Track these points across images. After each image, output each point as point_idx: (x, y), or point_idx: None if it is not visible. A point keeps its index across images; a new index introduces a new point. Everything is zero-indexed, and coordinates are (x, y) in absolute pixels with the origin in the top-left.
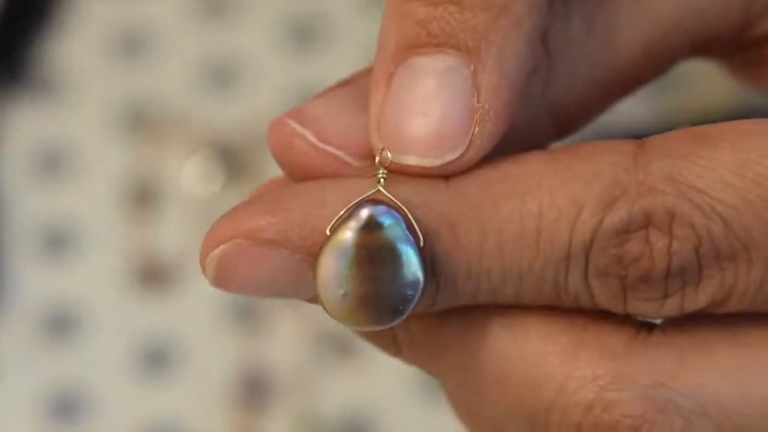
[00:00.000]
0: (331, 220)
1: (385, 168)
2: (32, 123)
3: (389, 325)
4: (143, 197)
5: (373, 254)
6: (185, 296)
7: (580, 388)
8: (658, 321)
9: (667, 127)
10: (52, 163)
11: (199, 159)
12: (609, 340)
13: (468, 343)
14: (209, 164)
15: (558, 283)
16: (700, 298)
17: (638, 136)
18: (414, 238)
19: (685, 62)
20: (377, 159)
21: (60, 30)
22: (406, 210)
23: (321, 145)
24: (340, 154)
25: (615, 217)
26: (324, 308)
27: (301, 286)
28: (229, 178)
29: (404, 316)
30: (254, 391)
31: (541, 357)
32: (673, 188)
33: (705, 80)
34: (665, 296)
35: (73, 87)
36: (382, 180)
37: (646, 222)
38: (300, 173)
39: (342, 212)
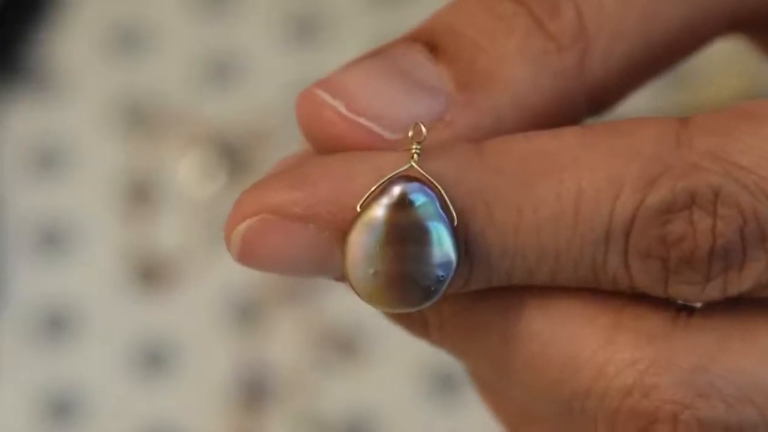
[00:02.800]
0: (362, 196)
1: (419, 142)
2: (28, 119)
3: (421, 308)
4: (141, 194)
5: (405, 233)
6: (184, 295)
7: (618, 372)
8: (698, 305)
9: None
10: (48, 160)
11: (198, 155)
12: (648, 323)
13: (501, 325)
14: (208, 161)
15: (596, 264)
16: (743, 281)
17: None
18: (448, 217)
19: (720, 40)
20: (410, 133)
21: (56, 25)
22: (440, 187)
23: (352, 116)
24: (373, 125)
25: (657, 196)
26: (352, 288)
27: (329, 264)
28: (228, 174)
29: (436, 298)
30: (254, 391)
31: (578, 340)
32: (717, 166)
33: (716, 77)
34: (708, 279)
35: (69, 82)
36: (415, 155)
37: (690, 201)
38: (329, 146)
39: (373, 188)
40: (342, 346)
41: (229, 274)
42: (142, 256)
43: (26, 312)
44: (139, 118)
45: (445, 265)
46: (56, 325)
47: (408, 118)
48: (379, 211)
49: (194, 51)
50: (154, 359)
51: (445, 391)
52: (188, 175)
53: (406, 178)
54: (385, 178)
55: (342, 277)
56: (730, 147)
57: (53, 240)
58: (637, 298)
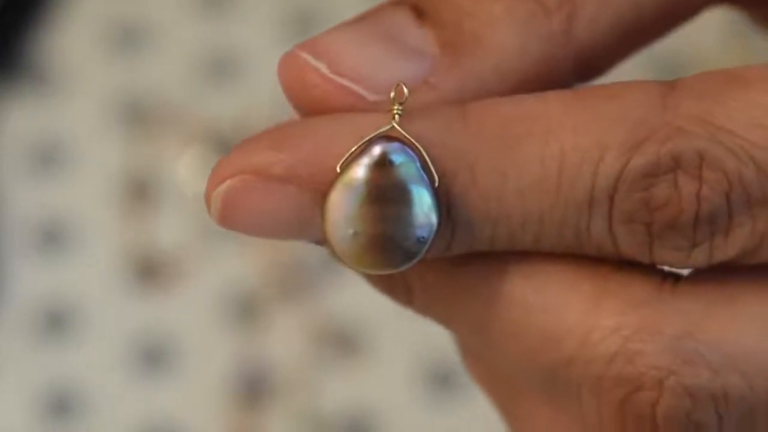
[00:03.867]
0: (342, 157)
1: (401, 103)
2: (27, 117)
3: (401, 269)
4: (140, 191)
5: (385, 193)
6: (183, 292)
7: (602, 339)
8: (684, 272)
9: None
10: (47, 158)
11: (197, 153)
12: (633, 289)
13: (485, 292)
14: (207, 158)
15: (580, 229)
16: (729, 246)
17: None
18: (429, 178)
19: (711, 9)
20: (392, 93)
21: (55, 23)
22: (421, 148)
23: (335, 77)
24: (355, 86)
25: (641, 160)
26: (332, 250)
27: (309, 226)
28: None
29: (416, 260)
30: (254, 389)
31: (562, 307)
32: (703, 130)
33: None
34: (693, 245)
35: (69, 80)
36: (396, 116)
37: (675, 165)
38: (312, 108)
39: (354, 148)
40: (342, 344)
41: (229, 271)
42: (141, 254)
43: (26, 310)
44: (139, 116)
45: (426, 226)
46: (56, 322)
47: (391, 80)
48: (359, 171)
49: (194, 49)
50: (153, 356)
51: (445, 389)
52: (187, 172)
53: (387, 138)
54: (366, 139)
55: (322, 240)
56: (717, 111)
57: (53, 237)
58: (623, 265)
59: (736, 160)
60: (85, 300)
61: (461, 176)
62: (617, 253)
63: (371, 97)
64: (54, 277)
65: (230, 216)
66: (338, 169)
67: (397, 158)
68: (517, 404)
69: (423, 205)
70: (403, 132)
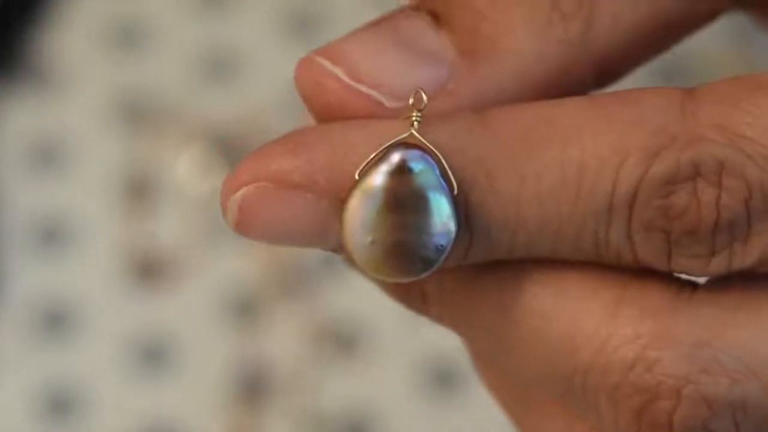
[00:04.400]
0: (361, 164)
1: (419, 110)
2: (26, 115)
3: (419, 277)
4: (140, 190)
5: (404, 201)
6: (183, 292)
7: (620, 346)
8: (701, 281)
9: None
10: (47, 157)
11: (197, 152)
12: (651, 297)
13: (501, 300)
14: (207, 157)
15: (598, 237)
16: (748, 255)
17: None
18: (447, 186)
19: (728, 14)
20: (411, 100)
21: (54, 21)
22: (440, 155)
23: (353, 83)
24: (373, 93)
25: (661, 167)
26: (350, 258)
27: (326, 234)
28: (227, 171)
29: (435, 268)
30: (254, 388)
31: (580, 314)
32: (723, 137)
33: (713, 70)
34: (712, 253)
35: (67, 79)
36: (415, 123)
37: (695, 172)
38: (330, 115)
39: (372, 155)
40: (341, 343)
41: (229, 271)
42: (141, 253)
43: (25, 309)
44: (138, 115)
45: (444, 234)
46: (55, 321)
47: (409, 86)
48: (377, 178)
49: (193, 48)
50: (152, 356)
51: (445, 388)
52: (187, 171)
53: (406, 145)
54: (385, 146)
55: (339, 248)
56: (737, 118)
57: (52, 236)
58: (641, 273)
59: (756, 168)
60: (85, 299)
61: (479, 182)
62: (635, 261)
63: (389, 103)
64: (53, 276)
65: (247, 223)
66: (357, 177)
67: (416, 165)
68: (531, 413)
69: (442, 213)
70: (422, 139)
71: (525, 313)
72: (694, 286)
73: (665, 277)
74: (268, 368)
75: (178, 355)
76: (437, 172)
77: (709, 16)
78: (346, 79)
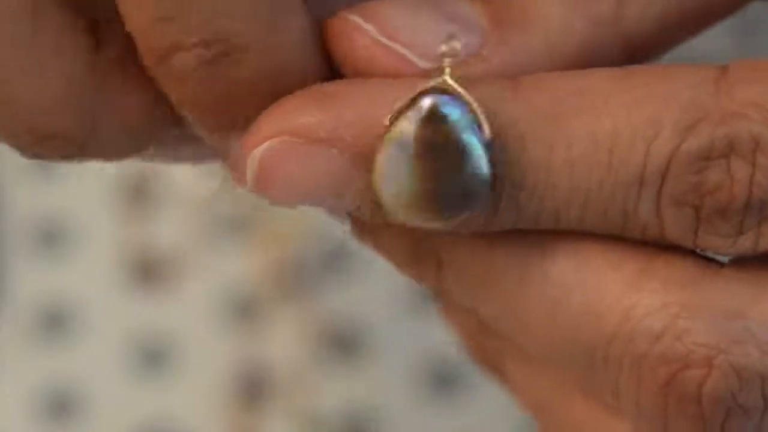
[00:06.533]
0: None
1: (453, 56)
2: None
3: (453, 221)
4: (140, 191)
5: (435, 147)
6: (183, 292)
7: (647, 315)
8: (726, 259)
9: None
10: None
11: None
12: (678, 269)
13: (523, 270)
14: None
15: (627, 209)
16: None
17: None
18: (481, 132)
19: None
20: (443, 48)
21: None
22: (472, 101)
23: (386, 41)
24: (406, 52)
25: (696, 142)
26: (379, 203)
27: (346, 191)
28: (226, 171)
29: (468, 213)
30: (254, 389)
31: (603, 284)
32: (759, 114)
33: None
34: (740, 232)
35: None
36: (447, 69)
37: (729, 149)
38: (360, 71)
39: (402, 102)
40: (342, 344)
41: (228, 271)
42: (141, 253)
43: (25, 310)
44: None
45: (478, 178)
46: (55, 322)
47: (441, 48)
48: (408, 125)
49: None
50: (152, 356)
51: (445, 389)
52: (187, 172)
53: (439, 90)
54: (417, 91)
55: (358, 208)
56: None
57: (51, 237)
58: (666, 248)
59: None
60: (85, 300)
61: (510, 146)
62: (662, 236)
63: (421, 63)
64: (53, 277)
65: (267, 180)
66: (387, 123)
67: (449, 111)
68: (545, 394)
69: (475, 158)
70: (455, 84)
71: (545, 284)
72: (720, 263)
73: (691, 253)
74: (268, 369)
75: (178, 355)
76: (470, 118)
77: (734, 6)
78: (378, 36)
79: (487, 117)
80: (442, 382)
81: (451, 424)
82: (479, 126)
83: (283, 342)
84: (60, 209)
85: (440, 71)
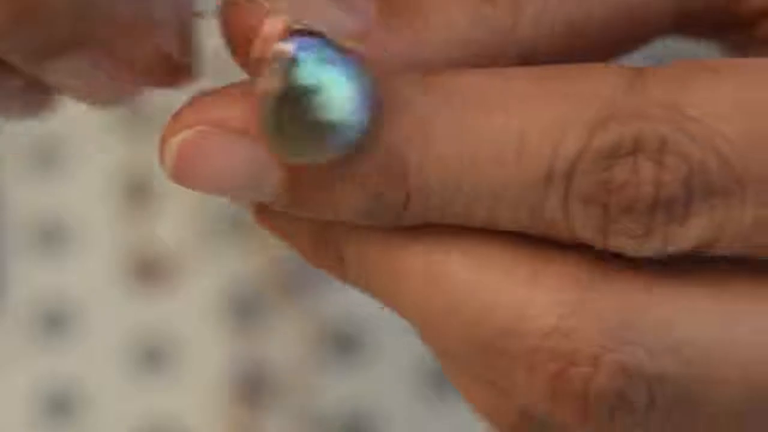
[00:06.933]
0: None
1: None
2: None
3: (332, 155)
4: (140, 190)
5: (300, 90)
6: (183, 292)
7: (540, 314)
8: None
9: None
10: (46, 155)
11: None
12: (575, 268)
13: (423, 267)
14: None
15: (534, 207)
16: (684, 236)
17: None
18: (346, 59)
19: (666, 38)
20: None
21: None
22: (326, 34)
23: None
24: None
25: (603, 139)
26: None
27: (263, 180)
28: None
29: (347, 146)
30: (253, 389)
31: (500, 282)
32: (669, 115)
33: None
34: (648, 231)
35: None
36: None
37: (636, 148)
38: (246, 44)
39: (261, 55)
40: (342, 343)
41: (229, 271)
42: (140, 253)
43: (24, 309)
44: (138, 114)
45: (351, 108)
46: (54, 322)
47: (322, 25)
48: (273, 80)
49: None
50: (152, 356)
51: (446, 390)
52: None
53: (287, 34)
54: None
55: (275, 199)
56: (685, 98)
57: (51, 237)
58: (569, 247)
59: (699, 149)
60: (84, 299)
61: (417, 141)
62: (571, 236)
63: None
64: (52, 277)
65: (185, 169)
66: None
67: (303, 54)
68: (458, 381)
69: (343, 90)
70: (302, 23)
71: (446, 281)
72: (623, 261)
73: (593, 252)
74: (267, 369)
75: (178, 355)
76: (330, 51)
77: (641, 40)
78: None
79: (394, 122)
80: (442, 382)
81: (450, 424)
82: (343, 52)
83: (283, 342)
84: (60, 209)
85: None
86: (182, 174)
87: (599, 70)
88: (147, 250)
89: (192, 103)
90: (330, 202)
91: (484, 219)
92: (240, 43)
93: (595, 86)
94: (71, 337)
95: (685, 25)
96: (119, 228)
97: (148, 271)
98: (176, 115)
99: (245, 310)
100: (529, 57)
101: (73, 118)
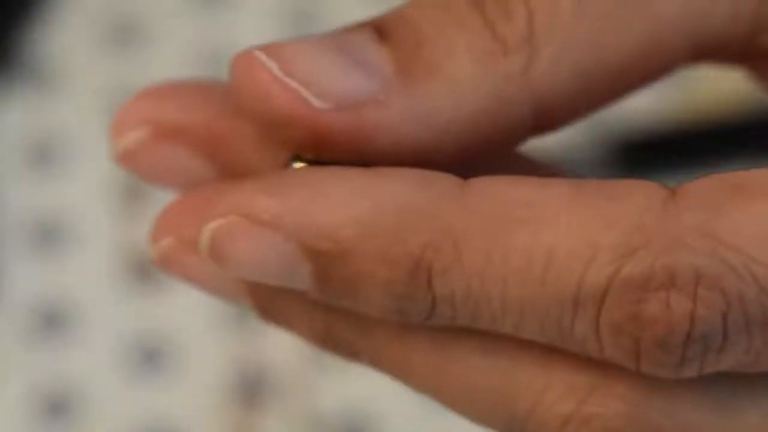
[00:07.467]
0: (332, 212)
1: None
2: (23, 114)
3: None
4: (138, 190)
5: None
6: (181, 292)
7: (557, 399)
8: None
9: (673, 123)
10: (43, 155)
11: None
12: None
13: (438, 357)
14: None
15: (562, 327)
16: (721, 363)
17: (641, 133)
18: None
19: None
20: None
21: (50, 17)
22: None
23: (283, 77)
24: (302, 89)
25: (634, 269)
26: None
27: (294, 275)
28: None
29: None
30: (252, 389)
31: (515, 366)
32: (703, 244)
33: (715, 71)
34: (683, 362)
35: (65, 77)
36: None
37: (669, 282)
38: (256, 107)
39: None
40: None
41: None
42: (139, 253)
43: (22, 309)
44: None
45: None
46: (52, 322)
47: (339, 90)
48: None
49: (190, 45)
50: (151, 356)
51: None
52: None
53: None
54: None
55: (309, 293)
56: (719, 224)
57: (49, 236)
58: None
59: (737, 279)
60: (82, 299)
61: (445, 252)
62: (602, 357)
63: (316, 102)
64: (50, 277)
65: (219, 255)
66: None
67: None
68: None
69: None
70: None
71: (460, 368)
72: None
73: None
74: (266, 369)
75: (177, 356)
76: None
77: (662, 72)
78: (278, 72)
79: (421, 229)
80: None
81: (450, 424)
82: None
83: (282, 342)
84: (58, 209)
85: (337, 117)
86: (218, 260)
87: (635, 190)
88: (145, 249)
89: (229, 189)
90: (360, 298)
91: (511, 329)
92: (249, 106)
93: (628, 208)
94: (69, 337)
95: (705, 57)
96: (118, 228)
97: (147, 270)
98: (213, 201)
99: (245, 310)
100: (544, 106)
101: (71, 119)
